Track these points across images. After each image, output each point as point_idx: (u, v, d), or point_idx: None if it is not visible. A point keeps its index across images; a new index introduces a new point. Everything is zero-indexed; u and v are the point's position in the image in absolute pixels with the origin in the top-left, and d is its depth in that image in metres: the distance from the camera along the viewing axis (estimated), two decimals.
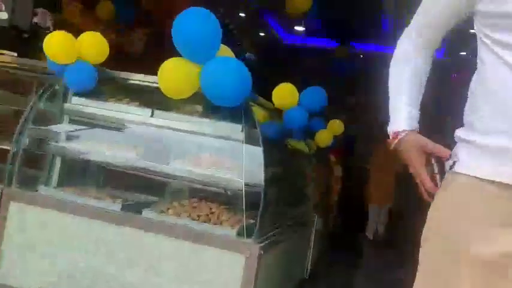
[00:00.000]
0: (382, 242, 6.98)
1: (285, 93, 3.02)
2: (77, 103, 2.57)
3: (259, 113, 2.92)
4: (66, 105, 2.59)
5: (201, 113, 2.54)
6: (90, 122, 2.60)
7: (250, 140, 2.36)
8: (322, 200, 4.92)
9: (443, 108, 8.63)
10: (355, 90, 9.12)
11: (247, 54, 7.59)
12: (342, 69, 7.69)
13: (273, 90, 3.02)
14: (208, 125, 2.43)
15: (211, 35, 2.28)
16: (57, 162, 2.59)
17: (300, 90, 3.10)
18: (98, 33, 2.60)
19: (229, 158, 2.43)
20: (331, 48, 7.85)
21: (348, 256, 5.63)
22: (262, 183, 2.28)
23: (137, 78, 2.57)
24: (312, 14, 6.14)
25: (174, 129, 2.44)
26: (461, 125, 1.07)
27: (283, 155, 3.26)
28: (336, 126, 4.35)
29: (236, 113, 2.40)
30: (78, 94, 2.58)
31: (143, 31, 5.18)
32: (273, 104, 3.05)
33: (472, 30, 1.11)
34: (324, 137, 4.09)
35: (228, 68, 2.23)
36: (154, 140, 2.50)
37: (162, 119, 2.44)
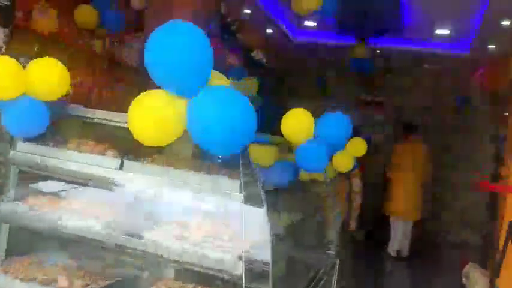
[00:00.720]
0: (406, 260, 6.35)
1: (296, 123, 2.37)
2: (25, 151, 1.97)
3: (266, 155, 2.31)
4: (12, 154, 1.99)
5: (187, 163, 1.92)
6: (43, 175, 2.00)
7: (251, 199, 1.75)
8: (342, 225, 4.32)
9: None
10: (374, 89, 8.42)
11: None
12: (359, 68, 6.98)
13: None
14: (197, 179, 1.81)
15: (200, 59, 1.66)
16: (4, 229, 2.00)
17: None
18: (54, 60, 1.98)
19: (225, 225, 1.82)
20: (346, 45, 7.14)
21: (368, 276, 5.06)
22: (269, 259, 1.68)
23: (104, 117, 1.96)
24: (325, 8, 5.47)
25: (150, 185, 1.83)
26: None
27: (296, 201, 2.64)
28: (357, 146, 3.68)
29: (234, 161, 1.79)
30: (29, 139, 1.98)
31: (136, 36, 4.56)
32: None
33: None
34: (344, 161, 3.44)
35: (225, 104, 1.60)
36: (125, 200, 1.89)
37: (133, 172, 1.83)
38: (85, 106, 2.12)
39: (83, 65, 4.13)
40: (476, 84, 7.83)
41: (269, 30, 7.84)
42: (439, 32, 7.02)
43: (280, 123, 2.44)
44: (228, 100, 1.58)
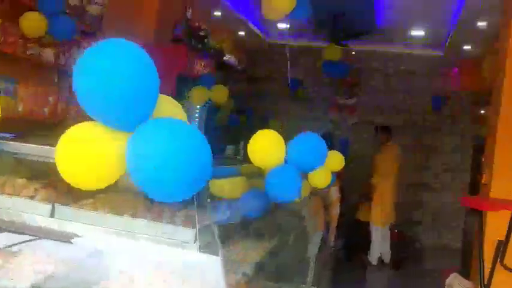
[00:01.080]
0: (388, 267, 6.19)
1: (264, 148, 2.09)
2: None
3: (233, 187, 2.03)
4: None
5: (134, 204, 1.62)
6: None
7: (208, 247, 1.47)
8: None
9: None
10: (348, 92, 8.24)
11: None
12: (332, 70, 6.75)
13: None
14: (144, 226, 1.52)
15: (141, 85, 1.35)
16: None
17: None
18: None
19: (177, 277, 1.53)
20: (320, 46, 6.92)
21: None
22: None
23: (34, 152, 1.64)
24: (297, 11, 5.23)
25: (89, 235, 1.53)
26: None
27: (269, 229, 2.37)
28: (335, 160, 3.43)
29: (189, 202, 1.51)
30: None
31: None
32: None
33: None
34: (321, 177, 3.18)
35: (169, 141, 1.29)
36: (60, 254, 1.58)
37: (67, 220, 1.52)
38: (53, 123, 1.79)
39: (34, 77, 3.77)
40: (452, 85, 7.74)
41: (241, 33, 7.57)
42: (414, 33, 6.88)
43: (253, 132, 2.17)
44: (174, 135, 1.28)
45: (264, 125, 8.24)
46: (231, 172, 2.16)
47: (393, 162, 6.32)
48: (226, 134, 7.47)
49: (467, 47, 6.72)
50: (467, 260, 4.77)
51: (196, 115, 4.99)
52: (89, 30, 4.08)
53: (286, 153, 2.11)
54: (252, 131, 2.14)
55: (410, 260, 6.65)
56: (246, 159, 2.22)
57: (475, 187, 7.15)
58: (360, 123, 8.18)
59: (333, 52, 6.07)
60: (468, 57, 7.23)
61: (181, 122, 1.39)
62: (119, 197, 1.66)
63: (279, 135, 2.14)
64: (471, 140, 7.51)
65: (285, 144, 2.14)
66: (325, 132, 6.45)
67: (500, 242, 2.80)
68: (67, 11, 3.67)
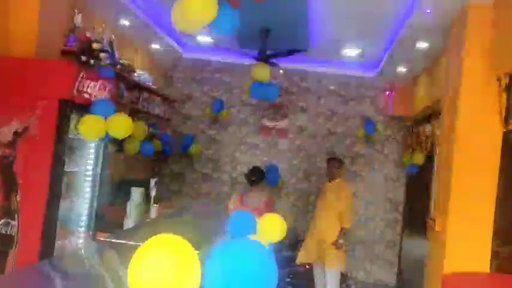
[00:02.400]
0: None
1: None
2: None
3: None
4: None
5: None
6: None
7: None
8: None
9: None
10: (277, 114, 7.52)
11: None
12: (262, 93, 5.94)
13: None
14: None
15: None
16: None
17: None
18: None
19: None
20: (246, 65, 6.12)
21: None
22: None
23: None
24: (218, 25, 4.36)
25: None
26: None
27: None
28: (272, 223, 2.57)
29: None
30: None
31: None
32: None
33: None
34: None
35: None
36: None
37: None
38: None
39: None
40: (384, 108, 7.33)
41: (155, 46, 6.55)
42: (347, 53, 6.34)
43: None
44: None
45: (183, 151, 7.28)
46: None
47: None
48: (135, 169, 6.35)
49: (401, 69, 6.29)
50: None
51: (92, 152, 3.88)
52: None
53: None
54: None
55: None
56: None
57: (413, 221, 6.73)
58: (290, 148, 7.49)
59: (261, 72, 5.27)
60: (402, 80, 6.84)
61: None
62: None
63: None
64: (403, 169, 7.11)
65: None
66: (254, 167, 5.59)
67: None
68: None
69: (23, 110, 3.21)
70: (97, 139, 3.60)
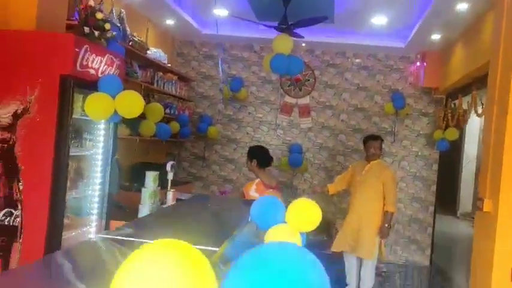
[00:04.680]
0: None
1: None
2: None
3: None
4: None
5: None
6: None
7: None
8: None
9: None
10: (300, 90, 7.09)
11: None
12: (282, 66, 5.51)
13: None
14: None
15: None
16: None
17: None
18: None
19: None
20: (266, 39, 5.69)
21: None
22: None
23: None
24: None
25: None
26: None
27: None
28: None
29: None
30: None
31: None
32: None
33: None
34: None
35: None
36: None
37: None
38: None
39: None
40: (415, 80, 6.82)
41: (169, 22, 6.18)
42: (375, 21, 5.83)
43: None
44: None
45: (202, 133, 6.95)
46: None
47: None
48: (150, 153, 6.06)
49: (435, 37, 5.76)
50: None
51: (102, 134, 3.57)
52: None
53: None
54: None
55: None
56: None
57: (443, 200, 6.30)
58: (313, 127, 7.08)
59: (283, 44, 4.84)
60: (435, 48, 6.31)
61: None
62: None
63: None
64: (435, 146, 6.63)
65: None
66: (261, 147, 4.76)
67: None
68: None
69: (22, 88, 2.90)
70: (106, 119, 3.27)
